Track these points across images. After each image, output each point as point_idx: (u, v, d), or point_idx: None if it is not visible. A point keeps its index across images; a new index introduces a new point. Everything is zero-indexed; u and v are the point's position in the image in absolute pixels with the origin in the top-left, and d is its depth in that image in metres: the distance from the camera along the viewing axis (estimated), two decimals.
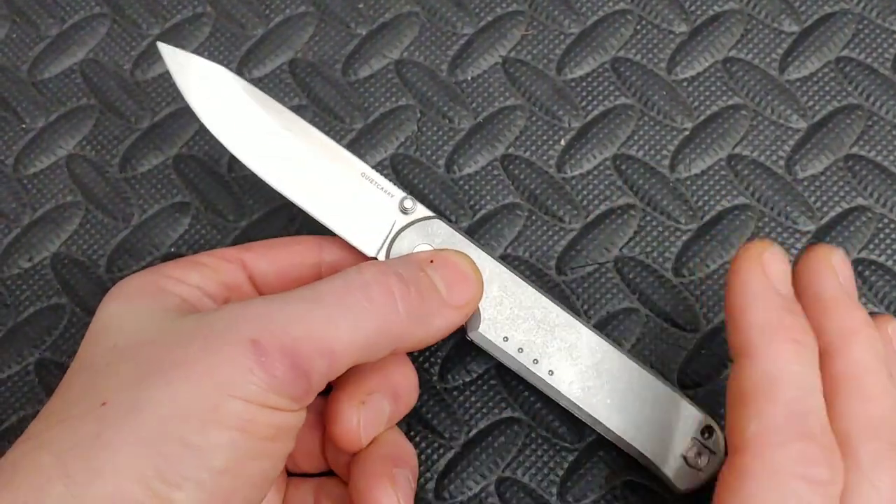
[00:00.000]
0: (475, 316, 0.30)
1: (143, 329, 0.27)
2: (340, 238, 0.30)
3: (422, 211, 0.31)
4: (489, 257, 0.31)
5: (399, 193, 0.31)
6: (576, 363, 0.30)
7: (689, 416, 0.30)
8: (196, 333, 0.25)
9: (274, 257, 0.31)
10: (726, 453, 0.27)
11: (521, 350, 0.30)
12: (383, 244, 0.31)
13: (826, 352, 0.26)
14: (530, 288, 0.31)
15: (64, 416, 0.24)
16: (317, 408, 0.31)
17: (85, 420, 0.24)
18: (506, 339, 0.30)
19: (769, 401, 0.25)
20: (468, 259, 0.30)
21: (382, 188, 0.31)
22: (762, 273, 0.27)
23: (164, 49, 0.31)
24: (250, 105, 0.31)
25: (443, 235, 0.30)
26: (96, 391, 0.25)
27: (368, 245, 0.31)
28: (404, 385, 0.30)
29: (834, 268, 0.28)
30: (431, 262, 0.29)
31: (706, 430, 0.30)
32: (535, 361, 0.30)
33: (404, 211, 0.31)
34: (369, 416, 0.29)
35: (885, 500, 0.24)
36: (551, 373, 0.30)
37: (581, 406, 0.30)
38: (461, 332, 0.30)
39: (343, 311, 0.26)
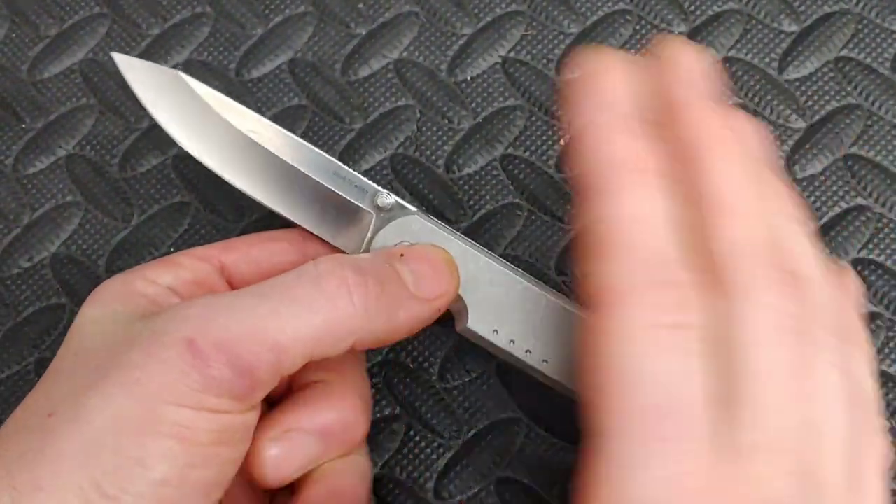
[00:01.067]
0: (463, 310, 0.30)
1: (103, 334, 0.26)
2: (338, 256, 0.30)
3: (400, 206, 0.30)
4: (474, 250, 0.30)
5: (374, 189, 0.30)
6: (569, 350, 0.30)
7: None
8: (139, 337, 0.25)
9: (255, 255, 0.30)
10: None
11: (512, 342, 0.30)
12: (363, 242, 0.30)
13: (683, 168, 0.23)
14: (518, 278, 0.30)
15: (18, 427, 0.24)
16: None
17: (33, 431, 0.24)
18: (496, 331, 0.30)
19: (616, 249, 0.22)
20: (443, 253, 0.29)
21: (357, 185, 0.30)
22: (599, 89, 0.24)
23: (120, 59, 0.30)
24: (210, 110, 0.30)
25: (423, 230, 0.30)
26: (48, 401, 0.25)
27: (348, 245, 0.30)
28: (337, 424, 0.29)
29: (684, 66, 0.25)
30: (402, 255, 0.28)
31: None
32: (528, 352, 0.30)
33: (381, 208, 0.30)
34: (282, 453, 0.28)
35: (773, 318, 0.22)
36: (545, 361, 0.30)
37: (578, 391, 0.30)
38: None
39: (289, 302, 0.25)
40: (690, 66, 0.25)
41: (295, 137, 0.30)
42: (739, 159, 0.24)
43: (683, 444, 0.21)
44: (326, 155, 0.31)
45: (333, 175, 0.30)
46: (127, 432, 0.23)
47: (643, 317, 0.22)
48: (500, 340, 0.30)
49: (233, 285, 0.30)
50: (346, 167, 0.30)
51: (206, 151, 0.30)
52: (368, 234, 0.30)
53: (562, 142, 0.37)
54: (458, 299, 0.30)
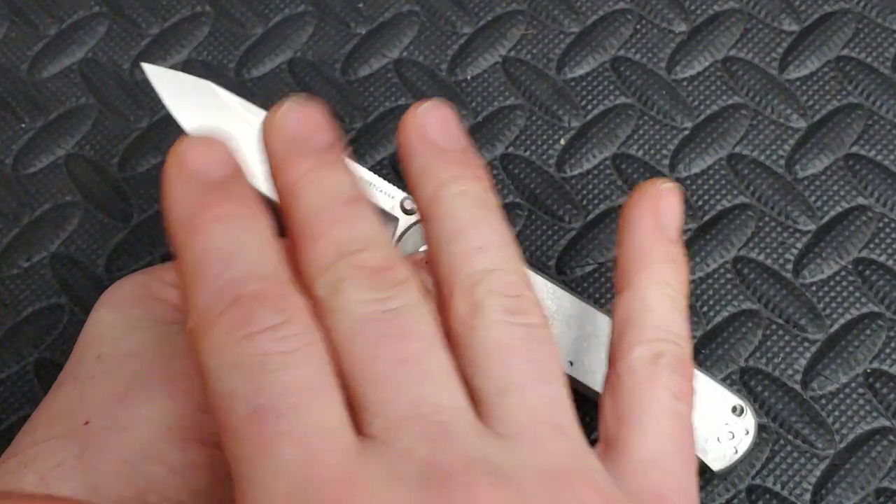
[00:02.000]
0: None
1: (129, 340, 0.26)
2: None
3: None
4: None
5: (399, 195, 0.31)
6: (596, 352, 0.30)
7: (720, 398, 0.30)
8: (178, 347, 0.25)
9: None
10: (758, 432, 0.27)
11: None
12: None
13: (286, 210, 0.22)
14: (540, 279, 0.30)
15: (50, 434, 0.24)
16: None
17: (68, 439, 0.24)
18: None
19: (196, 285, 0.20)
20: None
21: (383, 191, 0.31)
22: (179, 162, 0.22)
23: (149, 69, 0.30)
24: (240, 119, 0.30)
25: None
26: (81, 407, 0.25)
27: None
28: None
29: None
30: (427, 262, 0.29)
31: (737, 409, 0.30)
32: None
33: (406, 212, 0.31)
34: None
35: (356, 315, 0.21)
36: (571, 364, 0.30)
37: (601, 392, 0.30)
38: None
39: None
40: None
41: None
42: (325, 185, 0.22)
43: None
44: (352, 161, 0.31)
45: (359, 180, 0.30)
46: (171, 441, 0.23)
47: (229, 335, 0.20)
48: None
49: None
50: (371, 172, 0.31)
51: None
52: (395, 238, 0.30)
53: (562, 142, 0.37)
54: None
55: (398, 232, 0.30)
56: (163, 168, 0.22)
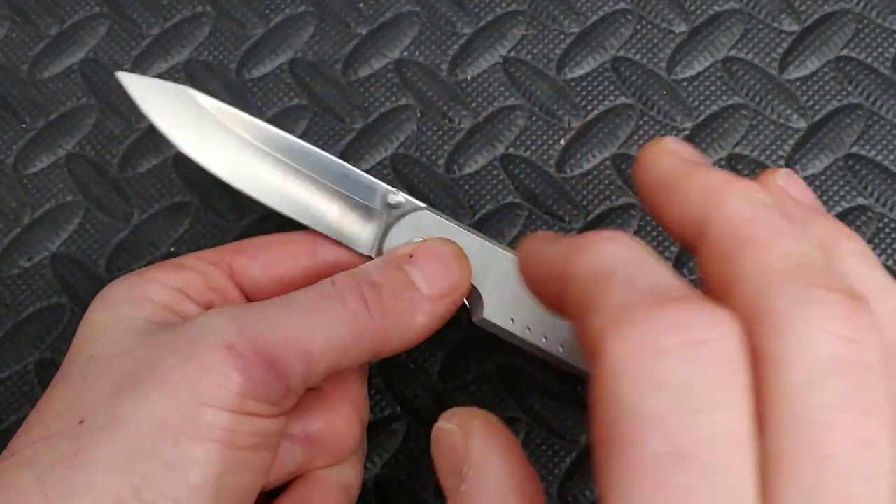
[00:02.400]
0: (478, 301, 0.30)
1: (121, 339, 0.26)
2: (354, 274, 0.30)
3: (409, 203, 0.31)
4: (484, 241, 0.31)
5: (383, 188, 0.31)
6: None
7: None
8: (172, 343, 0.25)
9: (265, 259, 0.30)
10: None
11: (528, 329, 0.30)
12: (375, 241, 0.30)
13: (697, 228, 0.20)
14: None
15: (45, 433, 0.24)
16: None
17: (63, 438, 0.24)
18: (512, 320, 0.30)
19: (606, 288, 0.18)
20: (452, 245, 0.29)
21: (366, 185, 0.31)
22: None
23: (125, 78, 0.30)
24: (219, 123, 0.30)
25: (433, 225, 0.31)
26: (75, 406, 0.25)
27: (361, 244, 0.30)
28: (326, 433, 0.29)
29: (667, 151, 0.22)
30: (411, 256, 0.29)
31: None
32: (545, 338, 0.30)
33: (392, 206, 0.31)
34: None
35: (821, 354, 0.17)
36: (562, 347, 0.30)
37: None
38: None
39: (318, 316, 0.26)
40: (676, 147, 0.23)
41: (301, 142, 0.31)
42: (755, 197, 0.20)
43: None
44: (334, 157, 0.31)
45: (342, 177, 0.31)
46: (166, 436, 0.23)
47: (649, 339, 0.17)
48: (517, 328, 0.30)
49: (243, 289, 0.30)
50: (354, 168, 0.31)
51: (217, 163, 0.30)
52: (380, 232, 0.30)
53: (562, 142, 0.37)
54: (473, 290, 0.30)
55: (383, 227, 0.31)
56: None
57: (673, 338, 0.17)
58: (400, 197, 0.31)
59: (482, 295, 0.30)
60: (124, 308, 0.27)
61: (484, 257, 0.30)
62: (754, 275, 0.18)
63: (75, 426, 0.24)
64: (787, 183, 0.22)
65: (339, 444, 0.29)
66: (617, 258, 0.19)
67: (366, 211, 0.31)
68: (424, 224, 0.31)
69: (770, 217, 0.19)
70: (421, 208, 0.31)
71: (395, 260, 0.29)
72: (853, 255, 0.20)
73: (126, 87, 0.30)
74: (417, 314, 0.28)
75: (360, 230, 0.30)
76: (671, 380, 0.16)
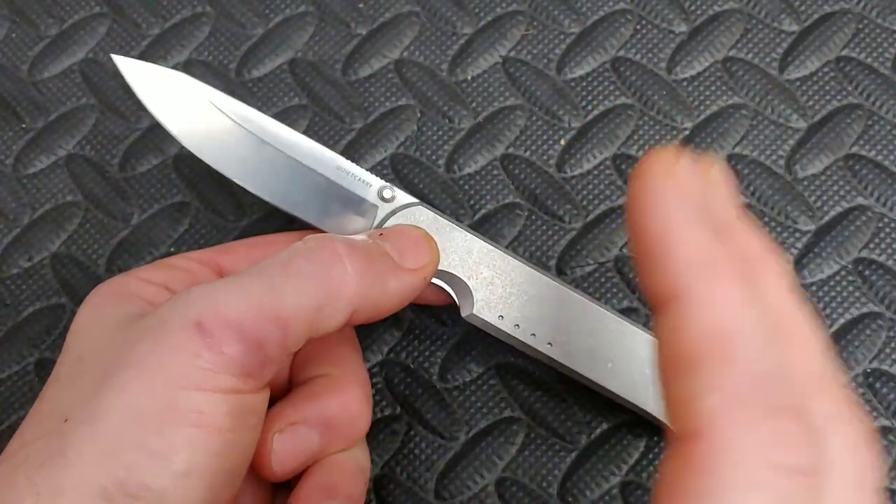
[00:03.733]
0: (468, 297, 0.30)
1: (103, 335, 0.26)
2: (325, 233, 0.30)
3: (403, 198, 0.31)
4: (476, 238, 0.31)
5: (378, 183, 0.31)
6: (572, 332, 0.30)
7: None
8: (145, 331, 0.25)
9: (254, 257, 0.30)
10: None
11: (517, 326, 0.30)
12: None
13: (665, 300, 0.20)
14: (520, 264, 0.31)
15: (37, 434, 0.24)
16: None
17: (51, 438, 0.24)
18: (501, 317, 0.30)
19: (727, 364, 0.18)
20: (419, 229, 0.30)
21: (361, 179, 0.31)
22: (678, 190, 0.20)
23: (119, 61, 0.30)
24: (213, 109, 0.30)
25: (427, 220, 0.31)
26: (62, 406, 0.25)
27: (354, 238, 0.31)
28: (341, 415, 0.29)
29: (669, 190, 0.20)
30: (381, 234, 0.29)
31: None
32: (533, 335, 0.30)
33: (385, 200, 0.31)
34: (287, 447, 0.28)
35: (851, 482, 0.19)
36: (550, 344, 0.30)
37: (582, 373, 0.30)
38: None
39: (287, 277, 0.25)
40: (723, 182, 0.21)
41: (297, 134, 0.31)
42: (787, 283, 0.21)
43: None
44: (329, 150, 0.31)
45: (337, 169, 0.31)
46: (145, 425, 0.23)
47: (760, 451, 0.17)
48: (506, 325, 0.30)
49: None
50: (348, 161, 0.31)
51: (208, 150, 0.30)
52: (374, 226, 0.31)
53: (562, 142, 0.37)
54: (464, 286, 0.30)
55: (377, 220, 0.31)
56: (643, 181, 0.20)
57: (775, 455, 0.18)
58: (395, 192, 0.31)
59: (472, 291, 0.30)
60: (108, 306, 0.27)
61: (475, 253, 0.31)
62: (804, 373, 0.19)
63: (61, 425, 0.24)
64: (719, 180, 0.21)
65: (353, 426, 0.29)
66: (741, 318, 0.19)
67: (360, 204, 0.31)
68: (418, 219, 0.31)
69: (737, 327, 0.19)
70: (415, 204, 0.31)
71: (367, 234, 0.29)
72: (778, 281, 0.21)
73: (121, 70, 0.30)
74: (390, 277, 0.27)
75: (354, 223, 0.31)
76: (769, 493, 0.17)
